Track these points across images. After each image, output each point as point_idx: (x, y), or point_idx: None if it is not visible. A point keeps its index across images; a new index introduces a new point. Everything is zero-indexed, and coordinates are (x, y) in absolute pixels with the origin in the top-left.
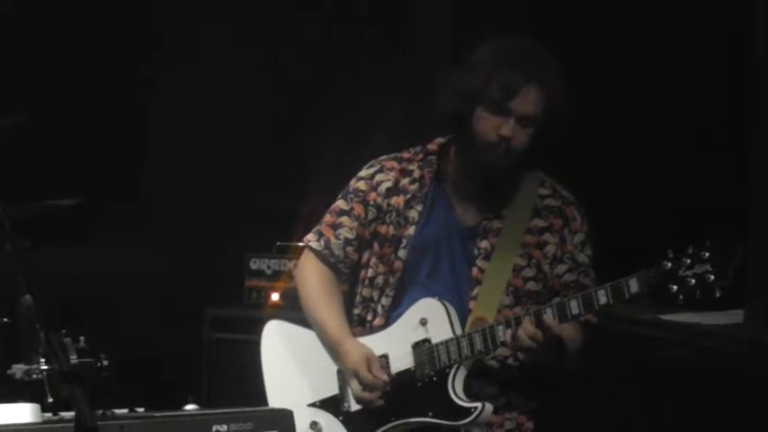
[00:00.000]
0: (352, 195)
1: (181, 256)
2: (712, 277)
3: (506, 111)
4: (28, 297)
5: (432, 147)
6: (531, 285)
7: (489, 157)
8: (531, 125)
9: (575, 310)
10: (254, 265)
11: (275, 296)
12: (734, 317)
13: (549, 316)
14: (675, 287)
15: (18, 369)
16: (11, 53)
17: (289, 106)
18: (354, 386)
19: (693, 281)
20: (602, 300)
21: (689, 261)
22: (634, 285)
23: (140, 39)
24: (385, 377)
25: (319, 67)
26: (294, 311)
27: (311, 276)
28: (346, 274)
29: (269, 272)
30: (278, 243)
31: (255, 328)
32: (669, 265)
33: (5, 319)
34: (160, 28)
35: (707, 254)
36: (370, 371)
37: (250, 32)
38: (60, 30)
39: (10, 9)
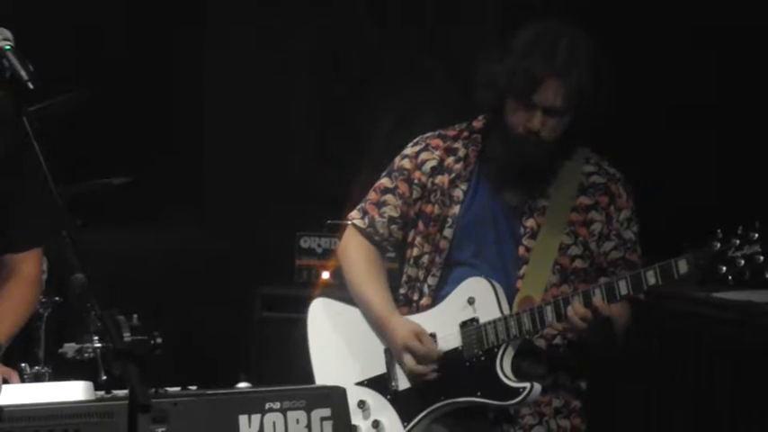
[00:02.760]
0: (396, 173)
1: (232, 236)
2: (762, 258)
3: (532, 103)
4: (80, 276)
5: (477, 124)
6: (577, 263)
7: (522, 147)
8: (561, 115)
9: (623, 291)
10: (305, 243)
11: (326, 275)
12: None
13: (597, 297)
14: (725, 268)
15: (70, 348)
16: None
17: (340, 85)
18: (407, 360)
19: (743, 262)
20: (651, 280)
21: (738, 242)
22: (683, 266)
23: (194, 24)
24: (438, 348)
25: (371, 46)
26: (344, 290)
27: (355, 254)
28: (391, 251)
29: (319, 250)
30: (328, 221)
31: (306, 307)
32: (718, 245)
33: (57, 298)
34: (210, 10)
35: (756, 234)
36: (421, 342)
37: (303, 15)
38: (113, 11)
39: None
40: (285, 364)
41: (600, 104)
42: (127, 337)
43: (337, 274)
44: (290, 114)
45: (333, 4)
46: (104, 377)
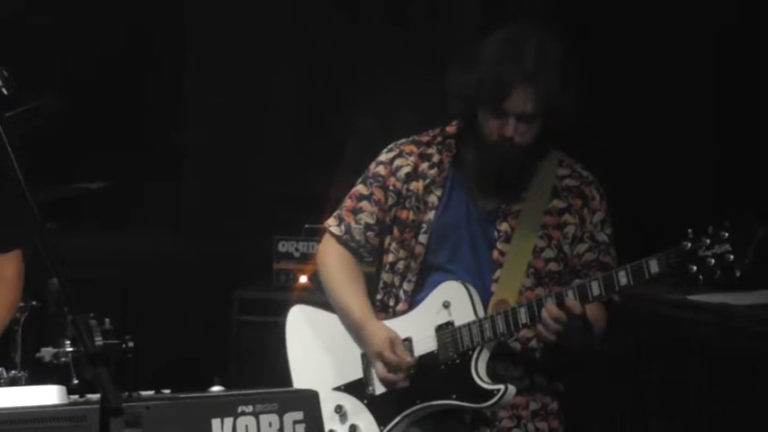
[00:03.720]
0: (371, 180)
1: (210, 239)
2: (732, 257)
3: (504, 111)
4: (55, 280)
5: (450, 129)
6: (551, 266)
7: (497, 154)
8: (533, 119)
9: (596, 292)
10: (283, 247)
11: (303, 279)
12: (762, 297)
13: (570, 298)
14: (695, 267)
15: (47, 352)
16: (45, 36)
17: (318, 89)
18: (379, 368)
19: (713, 261)
20: (623, 281)
21: (708, 241)
22: (654, 266)
23: (170, 24)
24: (409, 358)
25: (349, 48)
26: (322, 294)
27: (333, 261)
28: (367, 258)
29: (297, 254)
30: (306, 226)
31: (283, 311)
32: (689, 245)
33: (34, 303)
34: (189, 13)
35: (726, 234)
36: (394, 352)
37: (280, 16)
38: (90, 12)
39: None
40: (263, 368)
41: (570, 105)
42: (99, 341)
43: (315, 277)
44: (268, 118)
45: (311, 8)
46: (76, 381)
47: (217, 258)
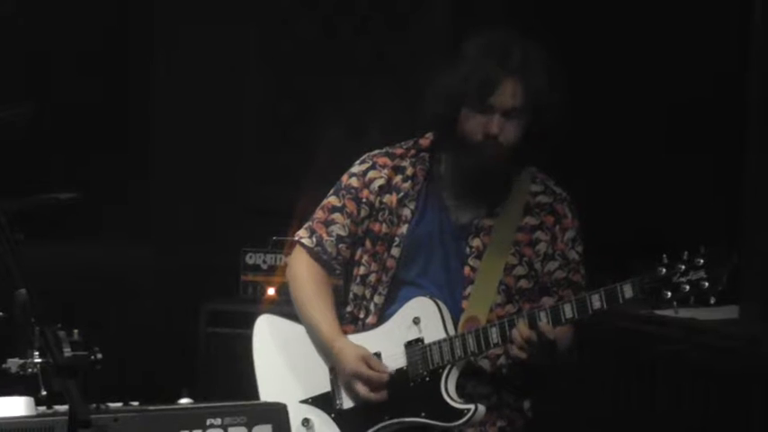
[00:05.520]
0: (344, 192)
1: (177, 251)
2: (707, 284)
3: (489, 107)
4: (23, 291)
5: (424, 142)
6: (522, 283)
7: (480, 156)
8: (518, 117)
9: (568, 314)
10: (250, 259)
11: (271, 291)
12: (729, 312)
13: (542, 320)
14: (670, 293)
15: (13, 363)
16: (11, 47)
17: (285, 100)
18: (360, 388)
19: (688, 287)
20: (597, 304)
21: (683, 267)
22: (628, 291)
23: (138, 38)
24: (388, 369)
25: (317, 60)
26: (289, 306)
27: (303, 274)
28: (339, 271)
29: (264, 266)
30: (274, 238)
31: (251, 323)
32: (664, 270)
33: (1, 314)
34: (158, 26)
35: (701, 260)
36: (370, 368)
37: (248, 28)
38: (63, 24)
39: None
40: (230, 380)
41: (555, 104)
42: (67, 352)
43: (282, 290)
44: (236, 130)
45: (280, 19)
46: (44, 392)
47: (184, 270)
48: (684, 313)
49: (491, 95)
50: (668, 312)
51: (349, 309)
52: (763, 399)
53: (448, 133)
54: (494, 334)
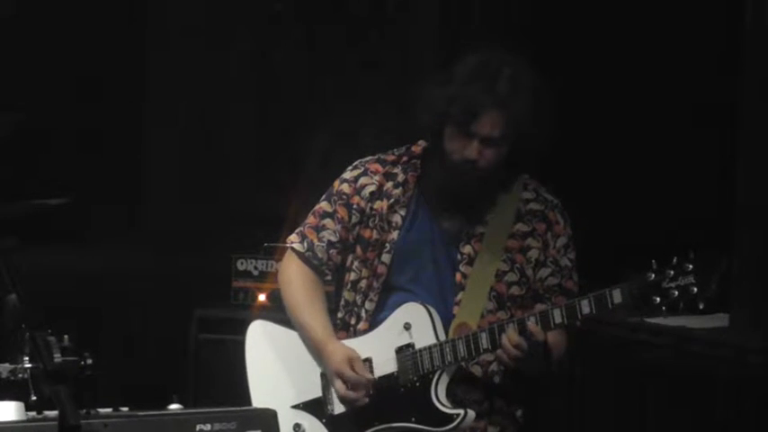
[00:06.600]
0: (335, 198)
1: (168, 257)
2: (696, 289)
3: (470, 132)
4: (13, 296)
5: (416, 149)
6: (514, 290)
7: (458, 175)
8: (498, 144)
9: (558, 320)
10: (242, 265)
11: (262, 297)
12: (719, 320)
13: (532, 325)
14: (659, 299)
15: (3, 368)
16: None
17: (277, 106)
18: (338, 386)
19: (677, 293)
20: (586, 310)
21: (672, 273)
22: (617, 296)
23: (132, 39)
24: (369, 375)
25: (308, 67)
26: (281, 312)
27: (294, 278)
28: (329, 276)
29: (256, 273)
30: (265, 244)
31: (242, 329)
32: (653, 276)
33: None
34: (152, 29)
35: (691, 266)
36: (353, 369)
37: (240, 34)
38: (52, 28)
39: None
40: (221, 386)
41: (539, 137)
42: (57, 357)
43: (273, 296)
44: (227, 136)
45: (270, 27)
46: (34, 398)
47: (176, 276)
48: (675, 321)
49: (473, 123)
50: (658, 320)
51: (340, 315)
52: (753, 406)
53: (434, 144)
54: (484, 340)
